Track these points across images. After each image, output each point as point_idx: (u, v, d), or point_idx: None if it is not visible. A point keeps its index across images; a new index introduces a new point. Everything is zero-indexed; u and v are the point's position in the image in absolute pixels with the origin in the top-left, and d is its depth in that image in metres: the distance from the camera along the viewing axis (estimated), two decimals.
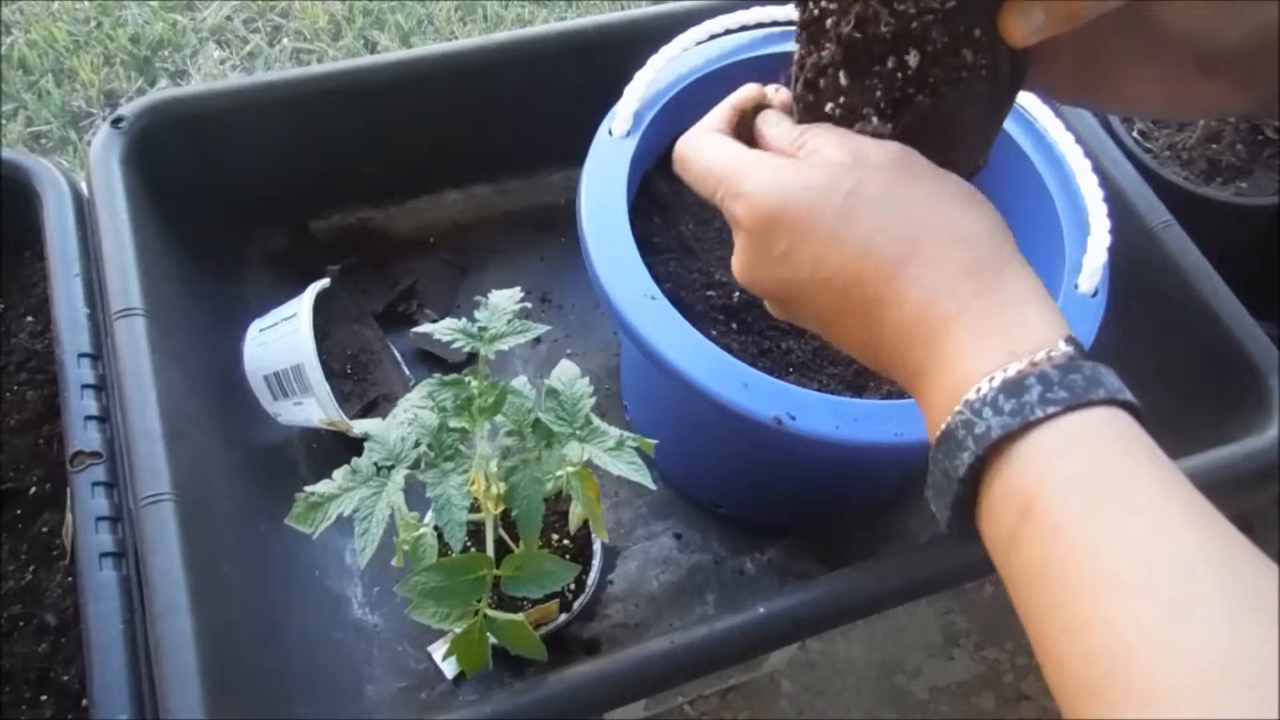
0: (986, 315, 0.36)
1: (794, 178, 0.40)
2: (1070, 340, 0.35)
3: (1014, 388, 0.33)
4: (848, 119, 0.43)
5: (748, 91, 0.48)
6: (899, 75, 0.41)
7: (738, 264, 0.43)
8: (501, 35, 0.78)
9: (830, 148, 0.41)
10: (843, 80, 0.42)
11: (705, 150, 0.45)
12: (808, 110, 0.45)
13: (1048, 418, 0.32)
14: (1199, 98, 0.41)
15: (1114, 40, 0.41)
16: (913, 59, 0.41)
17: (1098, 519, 0.30)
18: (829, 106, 0.44)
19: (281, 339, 0.69)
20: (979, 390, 0.34)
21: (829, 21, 0.42)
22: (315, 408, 0.68)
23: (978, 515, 0.35)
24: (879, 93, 0.42)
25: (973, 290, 0.36)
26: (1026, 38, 0.39)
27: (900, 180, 0.39)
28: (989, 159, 0.47)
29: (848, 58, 0.42)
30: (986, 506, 0.34)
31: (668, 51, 0.65)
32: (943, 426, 0.35)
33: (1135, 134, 0.86)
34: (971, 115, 0.43)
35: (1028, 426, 0.32)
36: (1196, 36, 0.38)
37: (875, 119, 0.43)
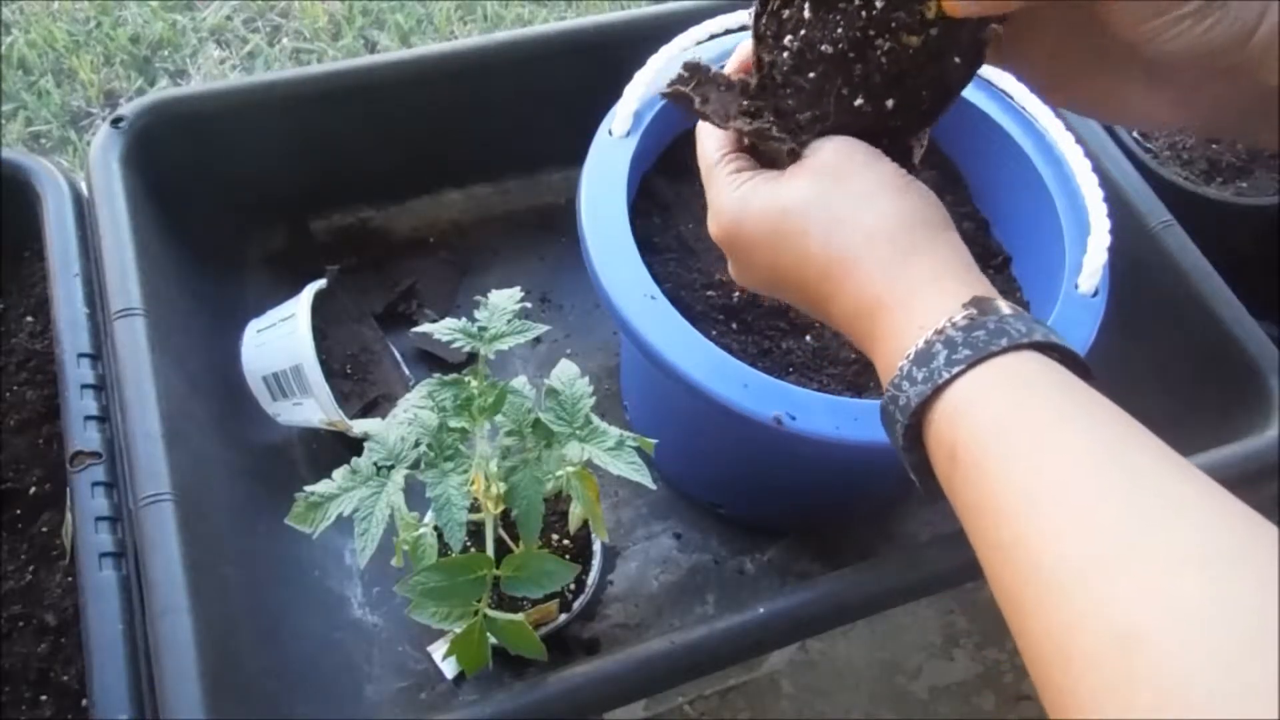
0: (899, 302, 0.40)
1: (745, 199, 0.44)
2: (975, 301, 0.38)
3: (924, 357, 0.37)
4: (803, 55, 0.44)
5: (744, 54, 0.50)
6: (863, 14, 0.42)
7: (729, 265, 0.49)
8: (501, 35, 0.78)
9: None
10: (806, 13, 0.43)
11: (700, 146, 0.49)
12: (765, 44, 0.45)
13: (955, 377, 0.36)
14: (1147, 109, 0.43)
15: (1078, 41, 0.42)
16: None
17: (1010, 452, 0.34)
18: (788, 39, 0.44)
19: (280, 340, 0.69)
20: (901, 368, 0.38)
21: None
22: (315, 408, 0.68)
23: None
24: (840, 29, 0.43)
25: (885, 285, 0.40)
26: (962, 8, 0.40)
27: (825, 186, 0.43)
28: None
29: None
30: (933, 464, 0.38)
31: (668, 51, 0.65)
32: (880, 407, 0.40)
33: (1135, 134, 0.86)
34: (924, 79, 0.44)
35: (940, 389, 0.36)
36: (1140, 46, 0.39)
37: (829, 52, 0.43)
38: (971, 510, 0.35)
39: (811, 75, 0.44)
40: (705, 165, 0.48)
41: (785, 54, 0.45)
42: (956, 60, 0.43)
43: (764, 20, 0.45)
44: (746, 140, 0.48)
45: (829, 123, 0.45)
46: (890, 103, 0.44)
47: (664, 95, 0.48)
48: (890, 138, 0.46)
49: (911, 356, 0.38)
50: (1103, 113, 0.48)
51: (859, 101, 0.44)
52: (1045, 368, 0.36)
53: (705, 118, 0.48)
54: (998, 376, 0.36)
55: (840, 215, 0.42)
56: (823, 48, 0.43)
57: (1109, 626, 0.28)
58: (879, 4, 0.42)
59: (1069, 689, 0.29)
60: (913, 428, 0.38)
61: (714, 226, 0.46)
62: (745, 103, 0.47)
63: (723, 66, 0.50)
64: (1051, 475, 0.32)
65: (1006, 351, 0.36)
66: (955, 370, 0.36)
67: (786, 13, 0.44)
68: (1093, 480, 0.31)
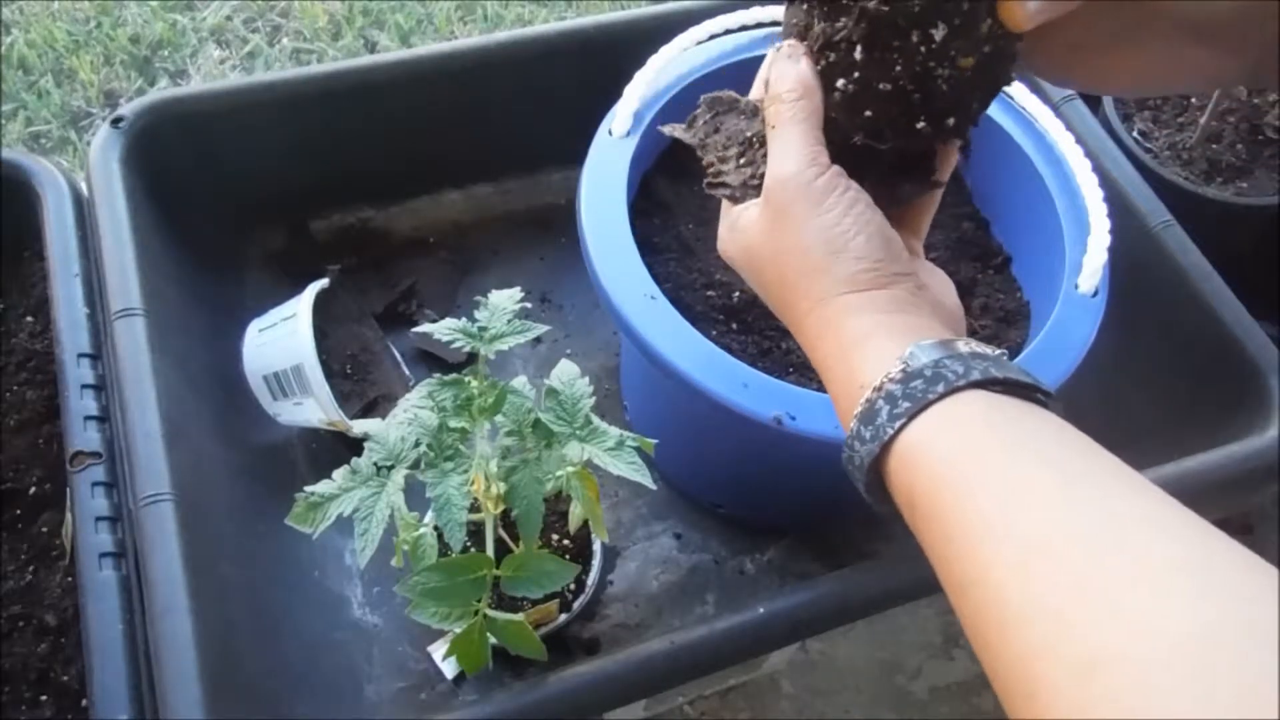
0: (839, 365, 0.41)
1: (731, 229, 0.46)
2: (911, 352, 0.38)
3: (868, 416, 0.38)
4: (859, 97, 0.43)
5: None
6: (922, 49, 0.40)
7: None
8: (501, 35, 0.78)
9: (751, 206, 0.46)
10: (857, 55, 0.42)
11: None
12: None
13: (899, 431, 0.37)
14: (1194, 68, 0.42)
15: (1108, 21, 0.42)
16: (939, 33, 0.40)
17: (962, 492, 0.34)
18: (840, 82, 0.43)
19: (281, 339, 0.69)
20: (852, 429, 0.39)
21: None
22: (315, 408, 0.68)
23: None
24: (898, 68, 0.41)
25: (824, 348, 0.41)
26: (1027, 20, 0.39)
27: (768, 234, 0.44)
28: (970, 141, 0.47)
29: (870, 33, 0.41)
30: (900, 512, 0.38)
31: (668, 51, 0.65)
32: (842, 464, 0.41)
33: (1135, 134, 0.86)
34: (978, 93, 0.43)
35: (887, 445, 0.37)
36: (1191, 7, 0.39)
37: (887, 89, 0.42)
38: (935, 551, 0.35)
39: (869, 114, 0.43)
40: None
41: (837, 94, 0.43)
42: (1007, 66, 0.43)
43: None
44: (708, 174, 0.48)
45: (887, 146, 0.44)
46: (951, 121, 0.44)
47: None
48: (934, 143, 0.46)
49: (858, 416, 0.38)
50: (1137, 84, 0.46)
51: (921, 125, 0.43)
52: (987, 405, 0.36)
53: (701, 150, 0.49)
54: (940, 422, 0.36)
55: (772, 278, 0.44)
56: (880, 86, 0.42)
57: (1070, 654, 0.28)
58: (939, 36, 0.40)
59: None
60: (873, 484, 0.39)
61: (718, 246, 0.49)
62: (753, 132, 0.47)
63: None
64: (1004, 509, 0.32)
65: (945, 396, 0.36)
66: (898, 425, 0.36)
67: (833, 55, 0.43)
68: (1043, 510, 0.31)
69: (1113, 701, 0.26)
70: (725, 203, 0.48)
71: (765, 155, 0.45)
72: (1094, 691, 0.27)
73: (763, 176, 0.45)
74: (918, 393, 0.36)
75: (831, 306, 0.41)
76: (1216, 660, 0.25)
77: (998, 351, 0.38)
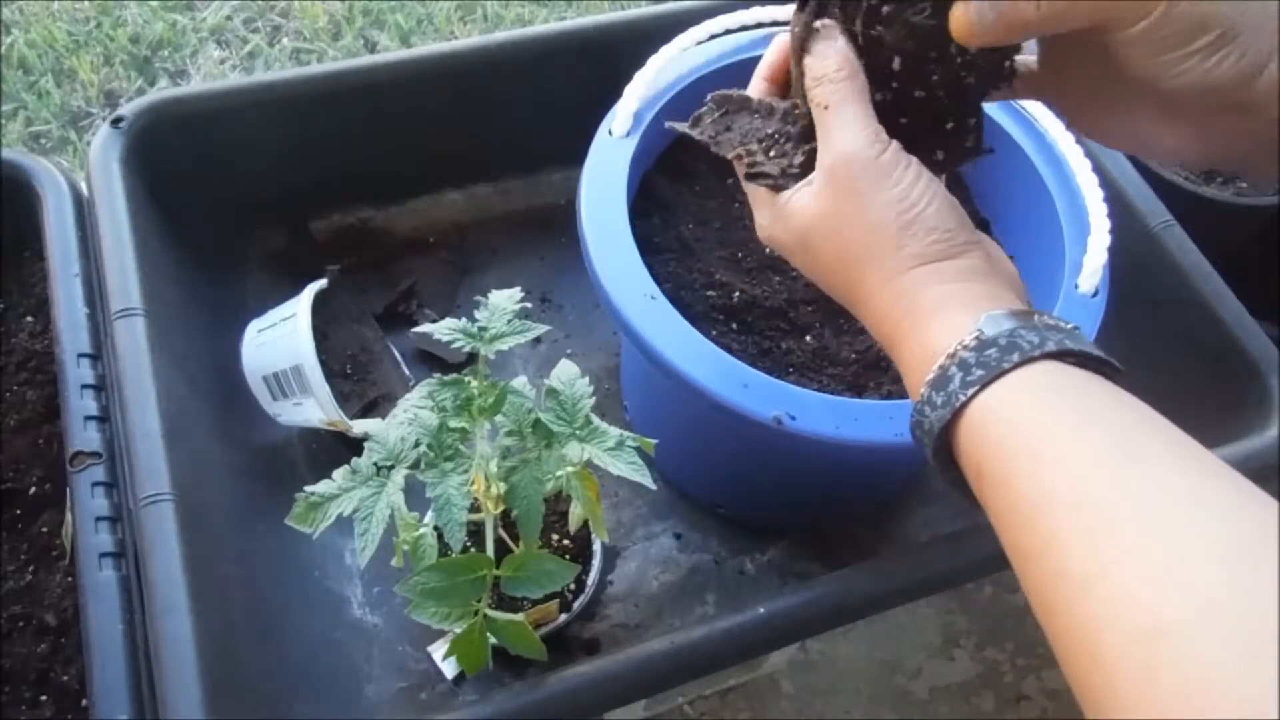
0: (913, 330, 0.41)
1: (777, 216, 0.46)
2: (987, 319, 0.38)
3: (940, 382, 0.38)
4: (893, 104, 0.44)
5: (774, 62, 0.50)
6: (959, 59, 0.43)
7: None
8: (501, 35, 0.78)
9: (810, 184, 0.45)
10: (895, 66, 0.43)
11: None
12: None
13: (971, 398, 0.37)
14: (1169, 139, 0.42)
15: (1102, 79, 0.42)
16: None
17: (1030, 462, 0.34)
18: (878, 96, 0.44)
19: (280, 339, 0.69)
20: (922, 394, 0.39)
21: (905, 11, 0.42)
22: (315, 408, 0.68)
23: None
24: (935, 77, 0.43)
25: (895, 319, 0.42)
26: (970, 36, 0.40)
27: (833, 211, 0.43)
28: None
29: (914, 46, 0.42)
30: (967, 480, 0.39)
31: (668, 51, 0.65)
32: (909, 430, 0.41)
33: None
34: (988, 91, 0.45)
35: (958, 411, 0.37)
36: (1149, 81, 0.39)
37: (921, 96, 0.44)
38: (1002, 521, 0.35)
39: (904, 121, 0.44)
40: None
41: (873, 104, 0.44)
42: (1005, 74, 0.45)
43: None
44: (744, 165, 0.48)
45: (913, 146, 0.45)
46: (972, 121, 0.45)
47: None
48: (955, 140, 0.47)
49: (929, 381, 0.39)
50: (1130, 146, 0.47)
51: (950, 125, 0.45)
52: (1060, 376, 0.36)
53: (715, 146, 0.49)
54: (1013, 392, 0.36)
55: (831, 258, 0.43)
56: (916, 94, 0.44)
57: (1134, 623, 0.28)
58: (972, 49, 0.42)
59: (1102, 686, 0.29)
60: (941, 450, 0.39)
61: (759, 233, 0.48)
62: (774, 130, 0.47)
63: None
64: (1071, 480, 0.33)
65: (1019, 366, 0.36)
66: (971, 391, 0.37)
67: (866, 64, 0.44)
68: (1110, 481, 0.32)
69: (1175, 667, 0.27)
70: (763, 192, 0.47)
71: (795, 147, 0.46)
72: (1158, 657, 0.27)
73: (800, 165, 0.45)
74: (992, 361, 0.37)
75: (904, 281, 0.41)
76: (1270, 633, 0.26)
77: (1071, 325, 0.39)
